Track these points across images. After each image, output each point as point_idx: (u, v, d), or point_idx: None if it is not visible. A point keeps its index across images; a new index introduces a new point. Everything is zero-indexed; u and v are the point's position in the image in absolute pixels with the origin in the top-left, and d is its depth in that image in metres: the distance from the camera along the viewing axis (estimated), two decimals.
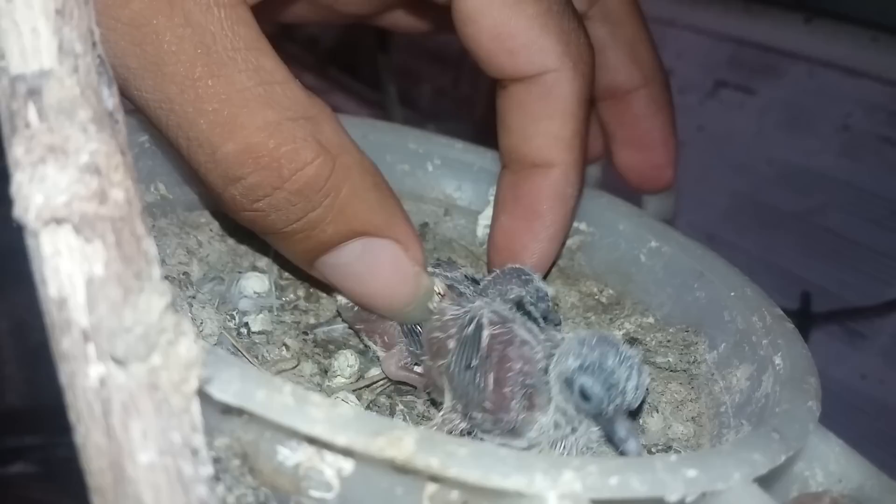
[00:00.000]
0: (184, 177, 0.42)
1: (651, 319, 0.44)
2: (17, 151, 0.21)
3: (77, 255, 0.21)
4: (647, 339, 0.42)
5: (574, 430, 0.34)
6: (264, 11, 0.37)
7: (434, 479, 0.24)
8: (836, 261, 0.98)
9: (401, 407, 0.38)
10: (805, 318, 0.98)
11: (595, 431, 0.35)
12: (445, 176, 0.50)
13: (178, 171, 0.42)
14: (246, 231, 0.37)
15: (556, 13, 0.40)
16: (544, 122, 0.41)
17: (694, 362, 0.40)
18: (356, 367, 0.38)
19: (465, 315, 0.36)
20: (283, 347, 0.39)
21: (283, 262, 0.43)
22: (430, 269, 0.41)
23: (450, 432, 0.35)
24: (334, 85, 1.36)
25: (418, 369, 0.38)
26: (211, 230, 0.42)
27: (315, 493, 0.25)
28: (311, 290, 0.44)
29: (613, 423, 0.33)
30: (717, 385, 0.38)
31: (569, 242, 0.48)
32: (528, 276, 0.40)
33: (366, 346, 0.41)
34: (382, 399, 0.39)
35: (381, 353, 0.40)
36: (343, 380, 0.38)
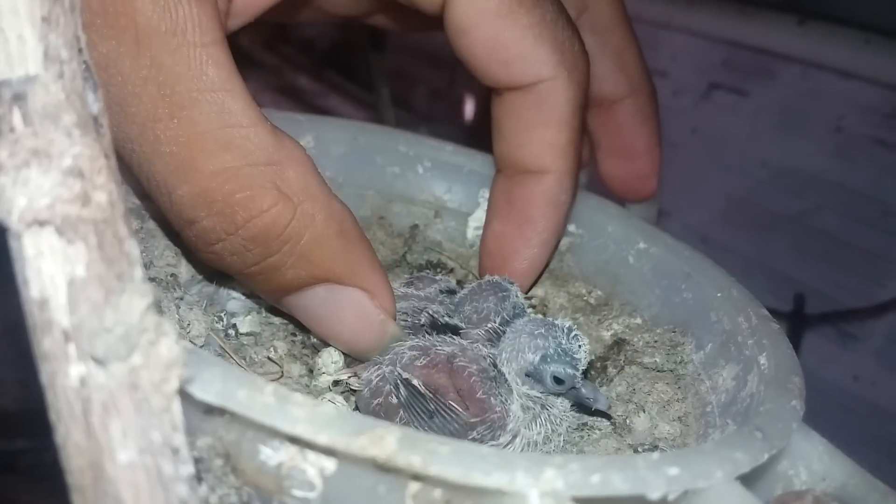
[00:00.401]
0: None
1: (639, 320, 0.44)
2: (2, 155, 0.21)
3: (59, 257, 0.21)
4: (635, 339, 0.43)
5: (544, 407, 0.36)
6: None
7: (416, 477, 0.24)
8: (830, 262, 0.98)
9: None
10: (799, 320, 0.98)
11: (562, 400, 0.37)
12: (436, 178, 0.51)
13: None
14: None
15: (551, 22, 0.39)
16: (539, 129, 0.41)
17: (681, 362, 0.40)
18: (341, 364, 0.38)
19: (383, 376, 0.36)
20: (272, 349, 0.39)
21: None
22: (402, 288, 0.42)
23: None
24: (330, 87, 1.37)
25: None
26: None
27: (298, 493, 0.25)
28: None
29: (580, 390, 0.37)
30: (704, 385, 0.39)
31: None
32: (505, 292, 0.41)
33: None
34: None
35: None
36: (328, 377, 0.38)
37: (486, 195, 0.47)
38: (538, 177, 0.42)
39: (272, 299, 0.37)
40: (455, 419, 0.34)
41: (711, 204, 1.10)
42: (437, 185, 0.51)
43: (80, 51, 0.23)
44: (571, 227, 0.48)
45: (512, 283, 0.42)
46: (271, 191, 0.32)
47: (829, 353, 0.97)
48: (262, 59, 1.37)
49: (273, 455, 0.24)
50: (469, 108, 1.29)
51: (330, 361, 0.38)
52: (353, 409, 0.37)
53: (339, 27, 1.38)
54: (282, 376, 0.39)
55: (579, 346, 0.36)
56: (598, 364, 0.42)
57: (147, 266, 0.38)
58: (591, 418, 0.39)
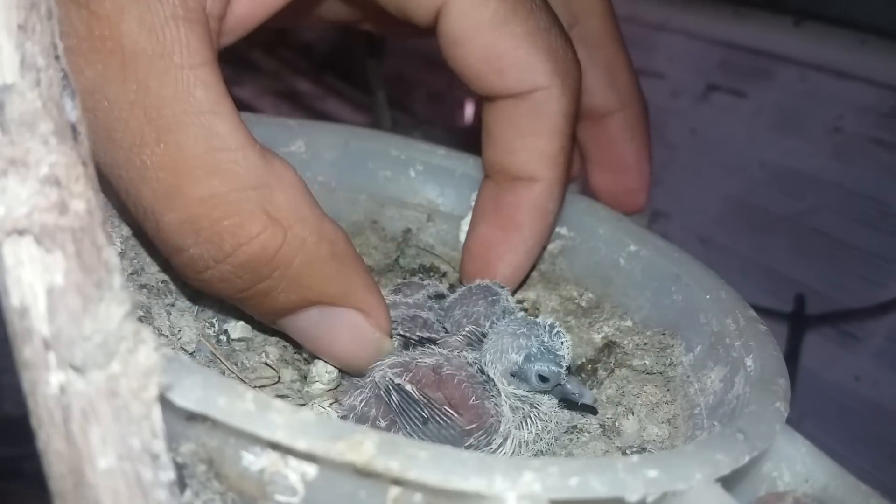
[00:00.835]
0: None
1: (629, 322, 0.44)
2: None
3: (38, 266, 0.21)
4: (625, 341, 0.43)
5: (533, 406, 0.36)
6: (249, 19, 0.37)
7: (397, 482, 0.24)
8: (829, 263, 0.98)
9: None
10: (799, 321, 0.98)
11: (550, 398, 0.37)
12: (428, 182, 0.51)
13: None
14: None
15: (544, 31, 0.39)
16: (532, 137, 0.41)
17: (670, 365, 0.40)
18: (335, 374, 0.38)
19: (367, 400, 0.36)
20: (264, 354, 0.39)
21: None
22: (390, 296, 0.42)
23: None
24: (328, 90, 1.37)
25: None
26: None
27: (280, 498, 0.25)
28: None
29: (565, 386, 0.37)
30: (693, 387, 0.39)
31: (550, 247, 0.48)
32: (495, 296, 0.41)
33: None
34: None
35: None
36: (322, 386, 0.38)
37: None
38: (528, 184, 0.42)
39: (265, 321, 0.37)
40: (450, 425, 0.34)
41: (710, 205, 1.10)
42: (429, 188, 0.51)
43: (57, 58, 0.24)
44: (563, 230, 0.48)
45: (502, 288, 0.42)
46: (260, 216, 0.31)
47: (831, 353, 0.97)
48: (261, 63, 1.38)
49: (255, 461, 0.25)
50: (468, 112, 1.30)
51: (324, 371, 0.38)
52: None
53: (338, 31, 1.39)
54: (278, 381, 0.39)
55: (562, 343, 0.37)
56: (589, 366, 0.43)
57: (138, 272, 0.38)
58: (581, 421, 0.39)
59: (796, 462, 0.31)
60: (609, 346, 0.43)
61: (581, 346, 0.44)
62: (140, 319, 0.35)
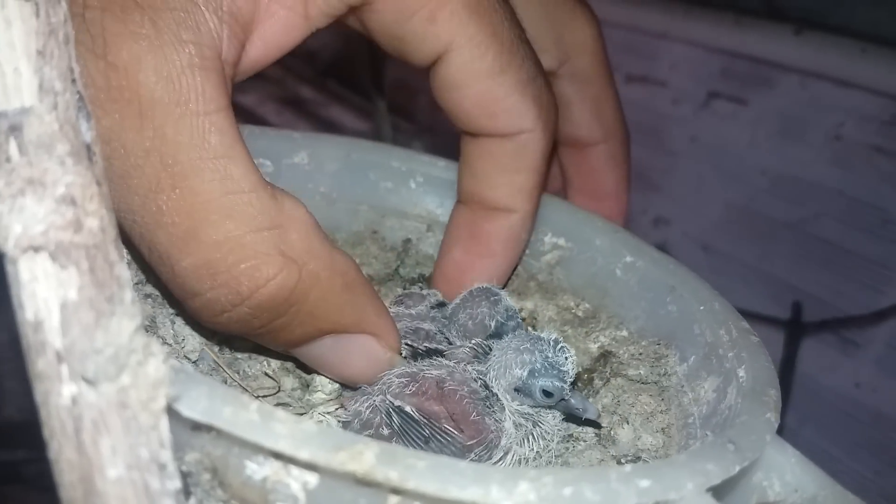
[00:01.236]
0: None
1: (625, 333, 0.45)
2: None
3: (52, 281, 0.22)
4: (621, 351, 0.44)
5: (536, 423, 0.37)
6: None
7: (396, 491, 0.25)
8: (829, 270, 0.99)
9: None
10: (796, 328, 0.99)
11: (554, 414, 0.38)
12: (428, 193, 0.52)
13: None
14: None
15: (532, 80, 0.41)
16: (512, 174, 0.43)
17: (665, 374, 0.41)
18: (337, 384, 0.39)
19: (374, 407, 0.36)
20: (266, 363, 0.40)
21: None
22: (393, 308, 0.43)
23: None
24: (331, 97, 1.38)
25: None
26: None
27: None
28: None
29: (569, 401, 0.37)
30: (687, 397, 0.40)
31: (548, 257, 0.49)
32: (496, 296, 0.42)
33: None
34: None
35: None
36: (323, 395, 0.39)
37: None
38: (505, 215, 0.44)
39: (278, 350, 0.38)
40: (451, 443, 0.35)
41: (711, 212, 1.10)
42: (429, 199, 0.52)
43: (73, 81, 0.25)
44: (560, 241, 0.49)
45: (501, 289, 0.44)
46: (276, 257, 0.32)
47: (831, 360, 0.98)
48: (264, 69, 1.39)
49: (258, 470, 0.25)
50: None
51: (326, 381, 0.39)
52: None
53: (341, 39, 1.39)
54: (278, 391, 0.40)
55: (566, 359, 0.37)
56: (585, 376, 0.43)
57: (143, 283, 0.39)
58: (577, 429, 0.40)
59: (786, 472, 0.32)
60: (605, 355, 0.44)
61: (577, 355, 0.44)
62: (145, 329, 0.36)
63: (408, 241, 0.51)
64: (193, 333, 0.38)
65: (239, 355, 0.40)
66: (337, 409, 0.38)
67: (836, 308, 0.97)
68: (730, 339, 0.38)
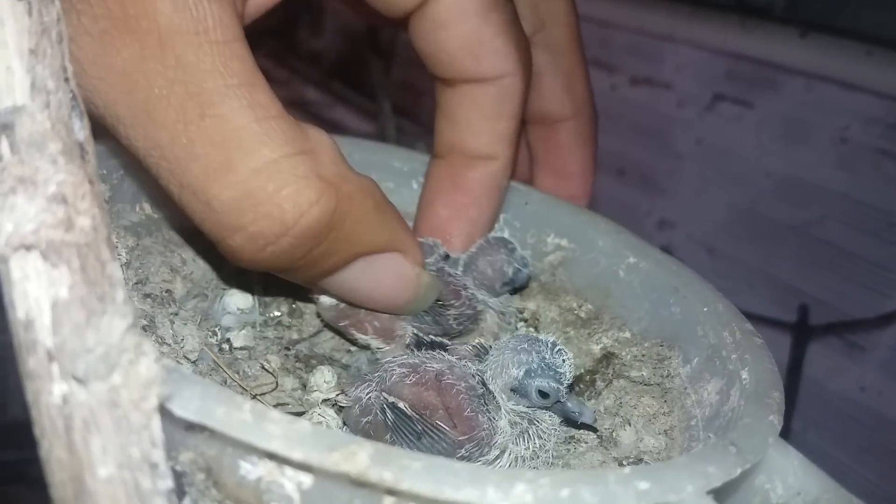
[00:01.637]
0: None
1: (628, 334, 0.44)
2: None
3: (43, 280, 0.22)
4: (623, 353, 0.43)
5: (532, 422, 0.37)
6: None
7: (391, 492, 0.25)
8: (835, 273, 0.98)
9: None
10: (803, 331, 0.98)
11: (550, 414, 0.38)
12: None
13: (161, 191, 0.43)
14: None
15: (514, 21, 0.42)
16: (494, 120, 0.43)
17: (668, 376, 0.41)
18: (333, 384, 0.39)
19: (367, 401, 0.36)
20: (266, 362, 0.40)
21: (268, 279, 0.44)
22: None
23: None
24: (336, 98, 1.38)
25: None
26: (195, 248, 0.43)
27: None
28: (295, 305, 0.45)
29: (565, 403, 0.37)
30: (690, 399, 0.39)
31: (550, 258, 0.49)
32: (512, 245, 0.44)
33: (354, 342, 0.42)
34: None
35: (375, 343, 0.41)
36: (321, 394, 0.38)
37: None
38: (487, 162, 0.44)
39: (307, 284, 0.37)
40: (443, 438, 0.35)
41: (716, 214, 1.10)
42: None
43: (66, 80, 0.24)
44: (563, 242, 0.49)
45: (511, 240, 0.46)
46: (315, 181, 0.31)
47: (836, 363, 0.97)
48: (271, 72, 1.39)
49: (252, 470, 0.25)
50: None
51: (322, 381, 0.39)
52: (343, 426, 0.37)
53: (346, 40, 1.40)
54: (276, 387, 0.40)
55: (563, 361, 0.37)
56: (588, 377, 0.43)
57: (143, 282, 0.39)
58: (578, 431, 0.40)
59: (788, 475, 0.32)
60: (607, 357, 0.43)
61: (580, 356, 0.44)
62: (144, 329, 0.36)
63: None
64: (193, 333, 0.38)
65: (239, 355, 0.40)
66: (338, 394, 0.38)
67: (842, 311, 0.97)
68: (733, 340, 0.38)
